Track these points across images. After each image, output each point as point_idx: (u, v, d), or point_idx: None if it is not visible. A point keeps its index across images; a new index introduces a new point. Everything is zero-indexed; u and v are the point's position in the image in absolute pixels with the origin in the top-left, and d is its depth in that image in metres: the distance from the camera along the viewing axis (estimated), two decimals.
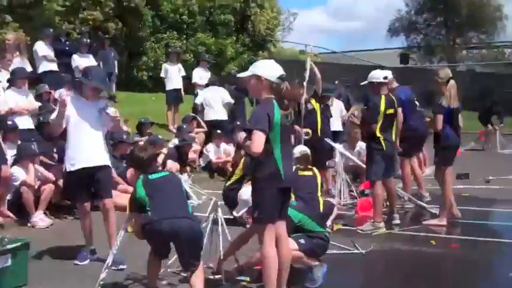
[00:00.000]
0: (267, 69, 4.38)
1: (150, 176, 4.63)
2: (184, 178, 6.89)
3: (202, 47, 20.50)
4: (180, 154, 10.07)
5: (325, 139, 8.45)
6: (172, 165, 9.49)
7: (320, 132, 8.04)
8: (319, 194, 6.60)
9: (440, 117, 7.09)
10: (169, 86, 13.48)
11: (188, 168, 10.28)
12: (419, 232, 6.99)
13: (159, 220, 4.35)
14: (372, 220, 7.05)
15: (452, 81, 7.18)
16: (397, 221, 7.33)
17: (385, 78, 7.11)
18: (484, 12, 36.55)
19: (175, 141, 10.61)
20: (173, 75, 13.49)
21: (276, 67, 4.39)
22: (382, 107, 6.99)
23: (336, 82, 12.86)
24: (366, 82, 7.23)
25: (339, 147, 8.94)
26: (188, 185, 6.63)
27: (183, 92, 13.62)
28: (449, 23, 38.46)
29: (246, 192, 6.05)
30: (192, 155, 10.69)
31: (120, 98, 16.44)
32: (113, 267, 5.12)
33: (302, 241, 5.04)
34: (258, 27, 23.51)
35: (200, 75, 13.34)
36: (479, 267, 5.76)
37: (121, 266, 5.35)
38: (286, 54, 33.28)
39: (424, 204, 8.26)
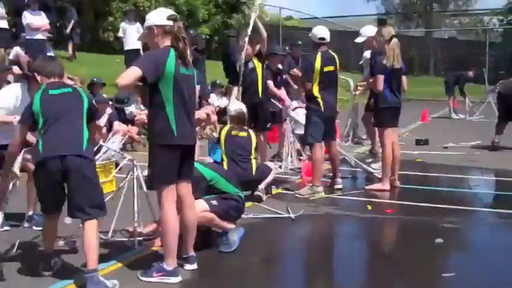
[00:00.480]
0: (154, 16, 4.14)
1: (50, 91, 4.17)
2: (115, 140, 6.64)
3: (171, 7, 19.99)
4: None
5: (272, 100, 8.27)
6: (120, 127, 9.27)
7: (262, 93, 7.73)
8: (252, 156, 6.43)
9: (381, 78, 6.88)
10: (127, 46, 13.07)
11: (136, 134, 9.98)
12: (359, 197, 6.85)
13: (47, 158, 3.93)
14: (311, 184, 6.87)
15: (394, 40, 6.96)
16: (339, 186, 7.19)
17: (322, 39, 6.91)
18: None
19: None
20: (131, 35, 13.07)
21: (164, 10, 4.17)
22: (318, 65, 6.75)
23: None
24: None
25: (287, 110, 8.70)
26: (116, 147, 6.40)
27: (142, 53, 13.25)
28: None
29: None
30: (143, 117, 10.41)
31: (81, 60, 16.13)
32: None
33: (214, 202, 4.82)
34: None
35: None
36: (407, 233, 5.63)
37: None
38: (267, 18, 32.83)
39: (371, 169, 8.10)
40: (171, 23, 4.05)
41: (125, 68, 13.39)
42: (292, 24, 33.10)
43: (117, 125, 9.26)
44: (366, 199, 6.70)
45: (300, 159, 8.63)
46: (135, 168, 5.06)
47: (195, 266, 4.38)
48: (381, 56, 6.94)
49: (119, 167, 6.49)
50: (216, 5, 22.34)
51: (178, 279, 4.16)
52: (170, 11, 4.17)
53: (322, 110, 6.81)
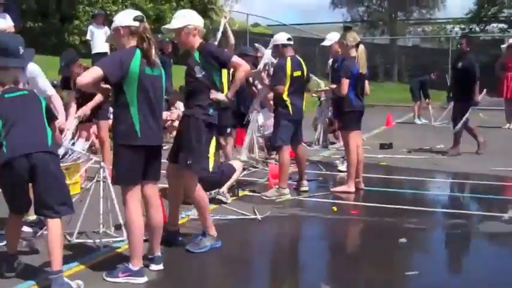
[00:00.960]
0: (120, 17, 4.18)
1: (5, 95, 4.09)
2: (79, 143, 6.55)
3: (138, 12, 19.89)
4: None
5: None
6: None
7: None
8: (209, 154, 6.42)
9: (346, 82, 6.97)
10: (94, 50, 12.97)
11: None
12: (325, 199, 6.92)
13: (13, 158, 3.84)
14: (278, 186, 6.92)
15: (362, 46, 7.10)
16: (305, 188, 7.25)
17: (289, 39, 6.97)
18: None
19: None
20: (99, 38, 12.98)
21: (131, 12, 4.21)
22: (289, 70, 6.82)
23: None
24: (270, 44, 7.07)
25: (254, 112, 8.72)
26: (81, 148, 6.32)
27: None
28: None
29: None
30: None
31: (47, 63, 15.87)
32: None
33: None
34: None
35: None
36: (371, 234, 5.71)
37: None
38: (234, 27, 32.94)
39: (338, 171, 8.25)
40: (137, 23, 4.05)
41: None
42: (259, 31, 33.27)
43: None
44: (332, 201, 6.77)
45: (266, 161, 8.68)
46: (101, 170, 5.04)
47: (160, 267, 4.37)
48: (348, 60, 7.05)
49: (83, 169, 6.44)
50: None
51: (144, 279, 4.15)
52: (137, 12, 4.19)
53: (291, 113, 6.87)
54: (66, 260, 4.22)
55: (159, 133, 4.27)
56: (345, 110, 7.15)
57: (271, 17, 57.99)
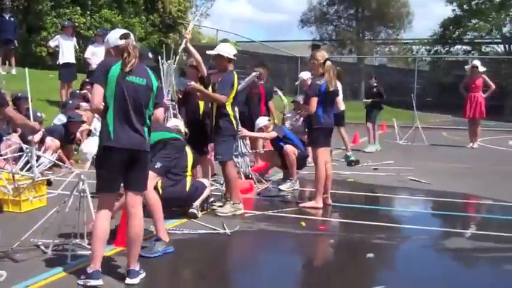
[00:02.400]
0: (110, 39, 4.47)
1: None
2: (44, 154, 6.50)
3: (107, 24, 19.86)
4: (66, 133, 9.59)
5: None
6: (52, 143, 9.06)
7: (202, 115, 7.71)
8: (187, 173, 6.46)
9: (315, 100, 7.07)
10: (61, 60, 12.93)
11: (73, 147, 9.85)
12: (293, 214, 6.97)
13: None
14: (232, 202, 6.86)
15: (329, 63, 7.19)
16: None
17: (235, 56, 6.90)
18: (392, 8, 37.79)
19: (61, 117, 10.14)
20: (67, 49, 12.95)
21: (117, 31, 4.46)
22: (235, 83, 6.81)
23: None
24: (213, 52, 6.87)
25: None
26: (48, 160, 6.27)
27: (74, 68, 13.14)
28: (359, 15, 39.46)
29: (86, 145, 5.61)
30: (77, 134, 10.25)
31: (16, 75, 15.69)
32: None
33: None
34: (168, 8, 23.10)
35: (94, 51, 12.78)
36: (339, 249, 5.79)
37: None
38: (203, 40, 33.06)
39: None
40: (123, 41, 4.29)
41: (59, 83, 13.23)
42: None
43: (49, 140, 9.04)
44: (300, 216, 6.81)
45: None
46: (81, 183, 5.02)
47: (135, 281, 4.33)
48: (316, 78, 7.16)
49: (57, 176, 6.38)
50: (152, 24, 22.30)
51: (98, 282, 4.20)
52: (123, 31, 4.45)
53: (235, 127, 6.90)
54: (40, 270, 4.34)
55: (139, 139, 4.29)
56: (313, 126, 7.24)
57: (240, 33, 58.43)
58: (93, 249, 4.27)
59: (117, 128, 4.18)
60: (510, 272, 5.12)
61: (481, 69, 15.29)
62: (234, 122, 6.85)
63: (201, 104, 7.65)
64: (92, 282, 4.17)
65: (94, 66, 12.55)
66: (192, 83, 6.95)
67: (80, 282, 4.21)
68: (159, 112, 4.59)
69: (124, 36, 4.32)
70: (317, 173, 7.30)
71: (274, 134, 8.72)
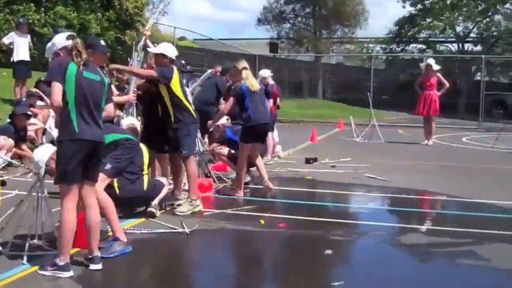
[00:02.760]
0: (57, 41, 4.69)
1: None
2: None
3: (62, 21, 19.50)
4: (16, 130, 9.38)
5: None
6: (5, 142, 8.86)
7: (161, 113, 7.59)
8: (144, 172, 6.40)
9: (231, 100, 7.98)
10: (16, 58, 12.65)
11: (26, 146, 9.64)
12: (252, 212, 6.98)
13: None
14: (190, 199, 6.84)
15: (246, 70, 7.93)
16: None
17: (176, 57, 6.98)
18: (348, 6, 38.20)
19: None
20: (22, 46, 12.69)
21: (61, 35, 4.74)
22: (175, 77, 6.80)
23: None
24: (156, 51, 6.96)
25: None
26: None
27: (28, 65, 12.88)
28: (316, 14, 39.75)
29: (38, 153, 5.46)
30: (31, 133, 10.05)
31: None
32: None
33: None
34: (125, 4, 22.81)
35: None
36: (298, 245, 5.83)
37: None
38: (161, 38, 32.75)
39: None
40: (70, 41, 4.49)
41: (14, 81, 12.94)
42: (185, 45, 33.27)
43: (2, 140, 8.84)
44: (260, 214, 6.83)
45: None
46: (39, 182, 4.99)
47: (99, 266, 4.54)
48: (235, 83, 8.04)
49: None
50: (108, 21, 21.99)
51: (69, 273, 4.37)
52: (68, 33, 4.73)
53: (194, 115, 6.97)
54: None
55: (100, 131, 4.54)
56: (243, 124, 7.95)
57: (198, 31, 58.22)
58: (63, 242, 4.38)
59: (79, 122, 4.36)
60: (465, 267, 5.24)
61: (436, 67, 15.61)
62: (193, 113, 6.91)
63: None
64: (64, 274, 4.34)
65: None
66: (112, 65, 7.20)
67: (47, 273, 4.35)
68: (110, 107, 4.88)
69: (71, 37, 4.53)
70: (239, 165, 7.96)
71: (222, 152, 8.97)
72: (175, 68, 6.87)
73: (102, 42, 5.08)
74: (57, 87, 4.33)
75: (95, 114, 4.49)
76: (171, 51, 6.85)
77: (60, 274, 4.33)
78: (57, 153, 4.48)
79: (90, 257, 4.57)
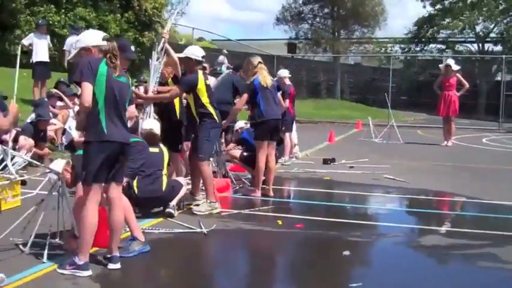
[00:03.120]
0: (89, 37, 4.67)
1: None
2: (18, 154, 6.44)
3: (82, 22, 19.66)
4: (36, 131, 9.47)
5: None
6: (25, 142, 8.96)
7: (179, 115, 7.56)
8: (163, 172, 6.42)
9: (245, 96, 7.83)
10: (35, 59, 12.78)
11: (46, 146, 9.74)
12: (269, 213, 6.99)
13: None
14: (209, 201, 6.86)
15: (261, 65, 7.88)
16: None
17: (203, 57, 7.03)
18: (367, 6, 38.01)
19: (32, 116, 10.01)
20: (41, 47, 12.82)
21: (98, 32, 4.76)
22: (200, 82, 6.83)
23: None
24: (181, 55, 6.99)
25: None
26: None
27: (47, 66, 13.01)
28: (335, 14, 39.62)
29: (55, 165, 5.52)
30: (51, 133, 10.14)
31: None
32: None
33: None
34: (144, 5, 22.93)
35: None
36: (316, 246, 5.82)
37: None
38: (180, 39, 32.90)
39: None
40: (105, 43, 4.50)
41: (32, 81, 13.06)
42: (204, 45, 33.37)
43: (22, 139, 8.94)
44: (277, 214, 6.82)
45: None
46: (60, 182, 5.01)
47: (118, 266, 4.56)
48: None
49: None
50: (127, 22, 22.13)
51: (88, 272, 4.38)
52: (101, 33, 4.69)
53: (217, 121, 6.99)
54: (17, 270, 4.35)
55: (127, 132, 4.62)
56: (257, 120, 7.86)
57: (216, 31, 58.38)
58: (84, 241, 4.41)
59: (108, 123, 4.39)
60: (484, 269, 5.19)
61: (455, 67, 15.49)
62: (216, 118, 6.93)
63: (176, 102, 7.62)
64: (83, 273, 4.35)
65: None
66: (134, 89, 7.08)
67: (66, 272, 4.37)
68: (132, 108, 4.95)
69: (107, 39, 4.54)
70: (258, 164, 7.76)
71: (235, 154, 8.93)
72: (199, 71, 6.91)
73: (132, 48, 5.15)
74: (88, 88, 4.33)
75: (122, 116, 4.54)
76: (196, 53, 6.93)
77: (79, 273, 4.35)
78: (84, 153, 4.50)
79: (109, 256, 4.60)
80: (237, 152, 8.89)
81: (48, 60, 13.08)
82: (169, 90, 7.22)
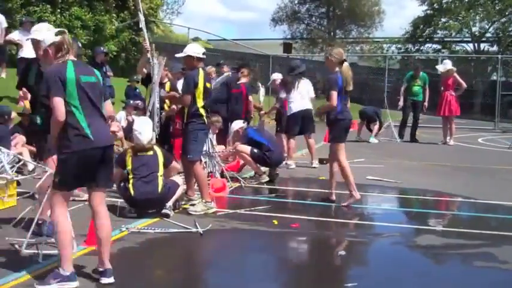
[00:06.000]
0: (46, 36, 4.46)
1: None
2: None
3: (77, 22, 19.61)
4: (22, 127, 9.45)
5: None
6: (19, 139, 8.96)
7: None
8: (159, 174, 6.41)
9: (335, 94, 7.26)
10: (21, 55, 12.70)
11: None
12: (264, 212, 6.97)
13: None
14: (204, 200, 6.87)
15: (346, 64, 7.38)
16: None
17: (204, 54, 6.98)
18: (364, 6, 38.06)
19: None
20: (25, 44, 12.79)
21: (50, 30, 4.71)
22: (201, 80, 6.82)
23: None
24: (182, 55, 6.96)
25: None
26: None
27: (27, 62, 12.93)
28: (331, 14, 39.67)
29: None
30: None
31: None
32: None
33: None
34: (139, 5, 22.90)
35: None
36: (312, 246, 5.83)
37: None
38: (175, 39, 32.92)
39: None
40: (59, 37, 4.27)
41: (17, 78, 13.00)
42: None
43: (16, 135, 8.95)
44: (273, 214, 6.82)
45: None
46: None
47: (111, 280, 4.27)
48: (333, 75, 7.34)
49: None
50: (123, 22, 22.07)
51: (76, 283, 4.14)
52: (56, 29, 4.52)
53: (205, 124, 6.98)
54: (12, 270, 4.32)
55: (109, 133, 4.44)
56: (337, 119, 7.54)
57: (212, 31, 58.38)
58: (64, 250, 4.15)
59: (92, 128, 4.15)
60: (481, 268, 5.20)
61: (453, 68, 15.54)
62: (205, 120, 6.90)
63: (167, 101, 7.69)
64: (71, 285, 4.11)
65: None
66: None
67: (53, 286, 4.08)
68: (109, 105, 4.60)
69: (60, 33, 4.32)
70: (343, 169, 7.56)
71: (244, 149, 8.83)
72: (200, 69, 6.88)
73: (79, 44, 5.01)
74: (59, 102, 4.05)
75: (102, 118, 4.32)
76: (197, 50, 6.92)
77: (67, 285, 4.10)
78: (60, 161, 4.19)
79: (101, 270, 4.29)
80: (246, 147, 8.80)
81: (33, 57, 13.03)
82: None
